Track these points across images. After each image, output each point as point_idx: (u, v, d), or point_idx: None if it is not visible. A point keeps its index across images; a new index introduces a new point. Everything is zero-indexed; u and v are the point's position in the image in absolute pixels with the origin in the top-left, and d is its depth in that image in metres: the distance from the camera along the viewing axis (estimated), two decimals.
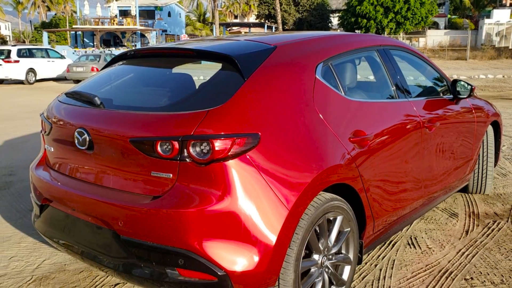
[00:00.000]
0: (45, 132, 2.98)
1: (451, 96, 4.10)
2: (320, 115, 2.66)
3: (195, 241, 2.22)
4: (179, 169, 2.29)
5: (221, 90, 2.49)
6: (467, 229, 4.11)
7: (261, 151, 2.32)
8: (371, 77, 3.69)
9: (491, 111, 4.73)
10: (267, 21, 48.53)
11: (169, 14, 53.43)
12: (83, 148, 2.59)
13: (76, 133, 2.61)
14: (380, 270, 3.37)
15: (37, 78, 22.15)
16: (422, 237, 3.94)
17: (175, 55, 3.01)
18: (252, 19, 60.72)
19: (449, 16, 55.86)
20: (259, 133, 2.33)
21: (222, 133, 2.26)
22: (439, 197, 4.00)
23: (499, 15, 43.22)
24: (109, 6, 46.92)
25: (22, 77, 21.37)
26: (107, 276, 3.30)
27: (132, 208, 2.33)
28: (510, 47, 40.21)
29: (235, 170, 2.25)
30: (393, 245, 3.77)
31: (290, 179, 2.38)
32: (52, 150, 2.91)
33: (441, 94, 4.11)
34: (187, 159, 2.27)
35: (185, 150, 2.26)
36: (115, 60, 3.28)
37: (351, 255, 2.88)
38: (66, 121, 2.76)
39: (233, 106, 2.36)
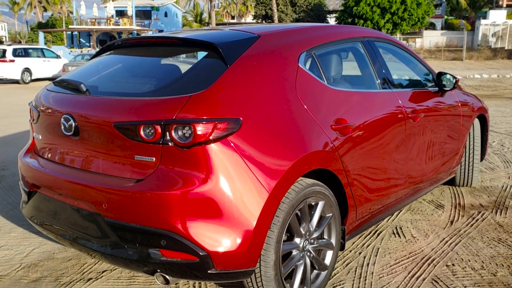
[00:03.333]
0: (33, 120, 3.03)
1: (436, 88, 4.16)
2: (302, 103, 2.71)
3: (177, 222, 2.28)
4: (162, 153, 2.34)
5: (204, 76, 2.55)
6: (452, 219, 4.17)
7: (242, 136, 2.37)
8: (357, 72, 3.74)
9: (477, 105, 4.79)
10: (264, 22, 48.59)
11: (165, 15, 53.47)
12: (69, 134, 2.64)
13: (62, 120, 2.66)
14: (364, 257, 3.43)
15: (33, 77, 22.11)
16: (408, 227, 4.00)
17: (162, 44, 3.06)
18: (249, 19, 60.78)
19: (445, 17, 56.03)
20: (241, 118, 2.38)
21: (204, 117, 2.31)
22: (425, 188, 4.06)
23: (495, 16, 43.41)
24: (106, 7, 46.93)
25: (17, 76, 21.34)
26: (95, 264, 3.35)
27: (116, 191, 2.38)
28: (506, 48, 40.39)
29: (217, 153, 2.31)
30: (378, 234, 3.83)
31: (271, 163, 2.44)
32: (40, 137, 2.96)
33: (426, 87, 4.17)
34: (169, 143, 2.32)
35: (167, 134, 2.31)
36: (103, 50, 3.33)
37: (333, 240, 2.93)
38: (53, 108, 2.81)
39: (215, 91, 2.42)
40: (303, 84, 2.79)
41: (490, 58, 36.45)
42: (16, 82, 21.78)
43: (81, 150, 2.65)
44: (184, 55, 3.62)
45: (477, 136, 4.84)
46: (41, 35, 41.51)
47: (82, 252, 2.79)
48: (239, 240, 2.33)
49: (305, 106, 2.72)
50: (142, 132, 2.36)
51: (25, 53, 22.36)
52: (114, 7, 47.92)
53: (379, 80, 3.50)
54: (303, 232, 2.71)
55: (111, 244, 2.46)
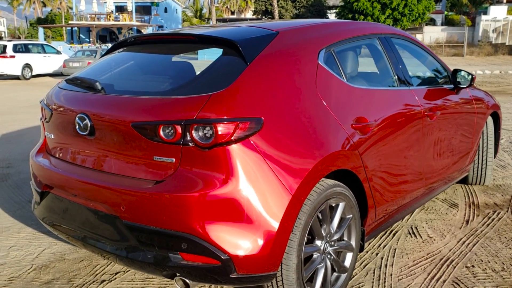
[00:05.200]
0: (45, 119, 2.95)
1: (452, 86, 4.10)
2: (323, 101, 2.64)
3: (198, 225, 2.21)
4: (182, 154, 2.27)
5: (224, 74, 2.47)
6: (467, 219, 4.11)
7: (264, 136, 2.30)
8: (373, 69, 3.67)
9: (491, 102, 4.73)
10: (264, 17, 48.43)
11: (165, 10, 53.28)
12: (84, 133, 2.57)
13: (77, 119, 2.59)
14: (382, 258, 3.36)
15: (33, 73, 21.99)
16: (423, 227, 3.93)
17: (176, 40, 2.98)
18: (249, 15, 60.61)
19: (445, 12, 55.92)
20: (262, 118, 2.31)
21: (225, 117, 2.24)
22: (440, 187, 4.00)
23: (496, 12, 43.33)
24: (105, 2, 46.76)
25: (18, 72, 21.23)
26: (108, 265, 3.29)
27: (135, 192, 2.31)
28: (507, 44, 40.32)
29: (238, 154, 2.24)
30: (394, 235, 3.77)
31: (293, 164, 2.37)
32: (53, 137, 2.89)
33: (441, 84, 4.10)
34: (190, 144, 2.25)
35: (188, 134, 2.24)
36: (115, 47, 3.25)
37: (353, 242, 2.87)
38: (67, 107, 2.74)
39: (236, 90, 2.34)
40: (323, 81, 2.72)
41: (491, 54, 36.38)
42: (16, 78, 21.67)
43: (96, 150, 2.58)
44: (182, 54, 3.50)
45: (490, 133, 4.77)
46: (40, 30, 41.34)
47: (95, 254, 2.73)
48: (261, 243, 2.26)
49: (326, 105, 2.65)
50: (161, 132, 2.28)
51: (25, 49, 22.22)
52: (114, 2, 47.75)
53: (396, 77, 3.43)
54: (324, 234, 2.64)
55: (129, 247, 2.39)
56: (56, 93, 2.95)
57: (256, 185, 2.25)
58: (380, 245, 3.59)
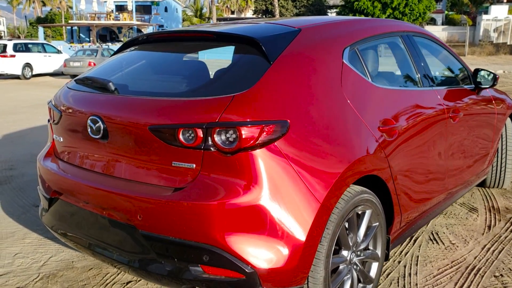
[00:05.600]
0: (53, 121, 2.80)
1: (473, 86, 3.95)
2: (349, 102, 2.49)
3: (222, 236, 2.06)
4: (203, 159, 2.12)
5: (246, 74, 2.32)
6: (489, 224, 3.96)
7: (290, 140, 2.15)
8: (393, 68, 3.52)
9: (510, 102, 4.58)
10: (264, 17, 48.26)
11: (165, 9, 53.07)
12: (97, 137, 2.42)
13: (89, 121, 2.44)
14: (405, 266, 3.21)
15: (34, 73, 21.79)
16: (444, 232, 3.78)
17: (192, 39, 2.83)
18: (249, 14, 60.44)
19: (446, 12, 55.75)
20: (288, 121, 2.16)
21: (250, 120, 2.09)
22: (460, 191, 3.85)
23: (497, 11, 43.17)
24: (105, 1, 46.57)
25: (18, 72, 21.04)
26: (118, 274, 3.13)
27: (152, 200, 2.15)
28: (508, 43, 40.18)
29: (264, 160, 2.08)
30: (415, 241, 3.62)
31: (321, 170, 2.22)
32: (62, 140, 2.74)
33: (462, 84, 3.95)
34: (211, 148, 2.10)
35: (209, 138, 2.09)
36: (126, 45, 3.10)
37: (378, 251, 2.72)
38: (78, 108, 2.58)
39: (259, 91, 2.19)
40: (348, 82, 2.57)
41: (493, 53, 36.22)
42: (17, 77, 21.48)
43: (110, 155, 2.43)
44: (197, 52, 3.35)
45: (510, 135, 4.62)
46: (40, 30, 41.15)
47: (106, 263, 2.58)
48: (288, 255, 2.11)
49: (353, 106, 2.50)
50: (181, 136, 2.13)
51: (25, 48, 22.03)
52: (114, 2, 47.56)
53: (419, 77, 3.28)
54: (350, 244, 2.49)
55: (146, 259, 2.24)
56: (65, 94, 2.80)
57: (282, 192, 2.10)
58: (401, 252, 3.44)
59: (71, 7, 55.25)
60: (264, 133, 2.09)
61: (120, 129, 2.34)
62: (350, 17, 3.28)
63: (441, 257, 3.34)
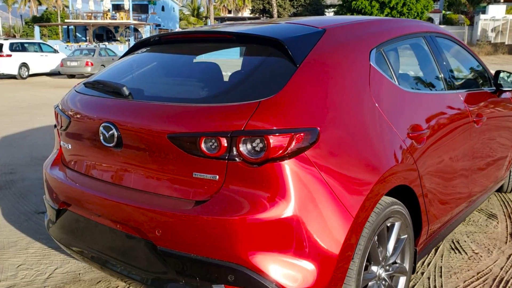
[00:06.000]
0: (61, 127, 2.63)
1: (493, 88, 3.81)
2: (379, 108, 2.34)
3: (248, 254, 1.90)
4: (227, 170, 1.96)
5: (271, 78, 2.16)
6: (510, 231, 3.81)
7: (320, 149, 2.00)
8: (414, 69, 3.37)
9: None
10: (261, 16, 48.08)
11: (162, 9, 52.84)
12: (110, 145, 2.25)
13: (101, 128, 2.27)
14: (429, 278, 3.06)
15: (30, 72, 21.55)
16: (465, 241, 3.64)
17: (208, 40, 2.67)
18: (246, 14, 60.23)
19: (443, 11, 55.70)
20: (318, 128, 2.00)
21: (278, 128, 1.93)
22: (480, 197, 3.71)
23: (495, 11, 43.12)
24: (102, 0, 46.29)
25: (14, 71, 20.78)
26: (129, 287, 2.97)
27: (172, 214, 1.99)
28: (506, 43, 40.15)
29: (293, 171, 1.93)
30: (436, 250, 3.47)
31: (353, 181, 2.06)
32: (70, 147, 2.57)
33: (482, 86, 3.80)
34: (236, 159, 1.94)
35: (234, 147, 1.93)
36: (136, 47, 2.93)
37: (406, 265, 2.57)
38: (89, 114, 2.42)
39: (287, 96, 2.03)
40: (377, 85, 2.41)
41: (491, 53, 36.20)
42: (13, 77, 21.23)
43: (124, 164, 2.26)
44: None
45: None
46: (36, 29, 40.86)
47: (114, 277, 2.42)
48: (319, 275, 1.95)
49: (382, 112, 2.34)
50: (203, 146, 1.97)
51: (22, 48, 21.79)
52: (111, 1, 47.28)
53: (443, 80, 3.13)
54: (380, 259, 2.34)
55: (164, 278, 2.08)
56: (73, 98, 2.63)
57: (313, 206, 1.94)
58: (423, 262, 3.28)
59: (67, 6, 54.94)
60: (294, 142, 1.93)
61: (136, 137, 2.17)
62: (372, 17, 3.12)
63: (465, 268, 3.19)
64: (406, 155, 2.41)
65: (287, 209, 1.91)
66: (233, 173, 1.95)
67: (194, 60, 2.79)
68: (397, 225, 2.43)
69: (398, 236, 2.47)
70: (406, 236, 2.52)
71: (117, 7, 48.33)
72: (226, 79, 2.43)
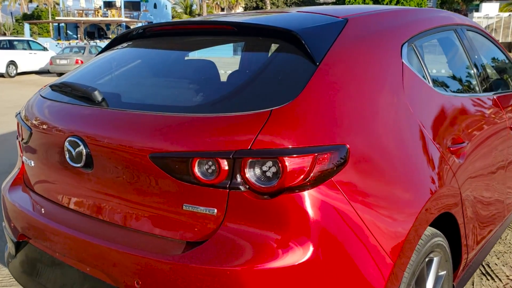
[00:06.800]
0: (22, 139, 2.15)
1: None
2: (416, 117, 1.87)
3: None
4: (229, 202, 1.48)
5: (284, 80, 1.69)
6: None
7: (351, 173, 1.52)
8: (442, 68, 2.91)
9: None
10: None
11: (155, 6, 52.10)
12: (78, 165, 1.77)
13: (67, 144, 1.79)
14: None
15: (19, 71, 21.00)
16: (496, 264, 3.18)
17: (203, 32, 2.17)
18: (239, 11, 59.66)
19: None
20: (347, 145, 1.53)
21: (296, 146, 1.46)
22: (510, 216, 3.25)
23: (488, 9, 42.84)
24: None
25: (2, 70, 20.18)
26: None
27: (156, 261, 1.52)
28: (500, 41, 39.87)
29: (317, 204, 1.45)
30: None
31: (394, 213, 1.60)
32: (33, 164, 2.09)
33: None
34: (241, 187, 1.47)
35: (238, 173, 1.46)
36: (116, 41, 2.44)
37: None
38: (53, 125, 1.93)
39: (307, 103, 1.56)
40: (411, 89, 1.94)
41: None
42: (1, 75, 20.61)
43: (95, 190, 1.78)
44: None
45: None
46: (26, 26, 40.10)
47: None
48: None
49: (420, 122, 1.88)
50: (196, 169, 1.50)
51: (10, 45, 21.21)
52: None
53: (478, 81, 2.67)
54: None
55: None
56: (38, 105, 2.14)
57: (344, 251, 1.47)
58: None
59: (58, 4, 54.07)
60: (317, 164, 1.46)
61: (110, 156, 1.69)
62: (393, 6, 2.65)
63: None
64: (449, 174, 1.95)
65: (308, 257, 1.43)
66: (237, 207, 1.48)
67: (186, 58, 2.32)
68: (436, 260, 1.96)
69: (437, 274, 2.00)
70: (445, 272, 2.06)
71: (109, 5, 47.61)
72: (223, 81, 1.95)
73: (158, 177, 1.57)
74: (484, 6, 43.67)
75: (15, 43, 21.98)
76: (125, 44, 2.39)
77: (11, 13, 71.36)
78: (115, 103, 1.82)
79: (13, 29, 64.06)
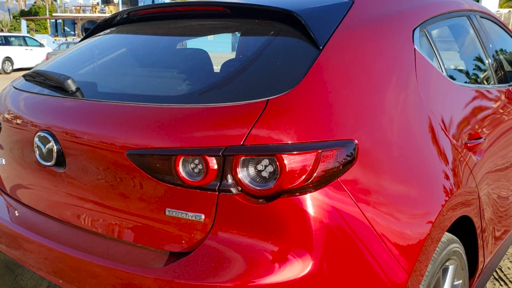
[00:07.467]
0: None
1: None
2: (431, 109, 1.66)
3: None
4: (218, 207, 1.28)
5: (283, 66, 1.48)
6: None
7: (360, 172, 1.32)
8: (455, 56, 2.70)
9: None
10: None
11: (152, 2, 51.92)
12: (48, 164, 1.57)
13: (36, 139, 1.58)
14: None
15: (15, 67, 20.87)
16: (509, 268, 2.98)
17: (192, 15, 1.94)
18: None
19: None
20: (355, 141, 1.32)
21: (296, 141, 1.25)
22: None
23: (487, 5, 42.47)
24: None
25: None
26: None
27: (135, 276, 1.31)
28: None
29: (321, 209, 1.25)
30: None
31: (408, 218, 1.39)
32: (4, 162, 1.88)
33: None
34: (232, 190, 1.26)
35: (229, 172, 1.25)
36: (100, 27, 2.23)
37: None
38: (22, 119, 1.72)
39: (308, 92, 1.35)
40: (425, 78, 1.74)
41: None
42: None
43: (67, 192, 1.57)
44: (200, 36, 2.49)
45: None
46: (23, 23, 39.86)
47: None
48: None
49: (435, 115, 1.67)
50: (181, 169, 1.29)
51: (6, 41, 21.08)
52: None
53: (493, 71, 2.47)
54: None
55: None
56: (11, 96, 1.93)
57: (352, 264, 1.27)
58: None
59: (55, 0, 53.89)
60: (321, 163, 1.25)
61: (83, 153, 1.48)
62: None
63: None
64: (466, 173, 1.74)
65: (309, 271, 1.23)
66: (227, 213, 1.27)
67: (177, 46, 2.11)
68: (451, 268, 1.76)
69: (452, 284, 1.80)
70: (461, 281, 1.86)
71: (106, 1, 47.36)
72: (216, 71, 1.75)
73: (137, 178, 1.37)
74: (484, 2, 43.49)
75: (11, 39, 21.85)
76: (108, 31, 2.17)
77: (9, 9, 71.10)
78: (91, 94, 1.61)
79: (11, 26, 63.81)
